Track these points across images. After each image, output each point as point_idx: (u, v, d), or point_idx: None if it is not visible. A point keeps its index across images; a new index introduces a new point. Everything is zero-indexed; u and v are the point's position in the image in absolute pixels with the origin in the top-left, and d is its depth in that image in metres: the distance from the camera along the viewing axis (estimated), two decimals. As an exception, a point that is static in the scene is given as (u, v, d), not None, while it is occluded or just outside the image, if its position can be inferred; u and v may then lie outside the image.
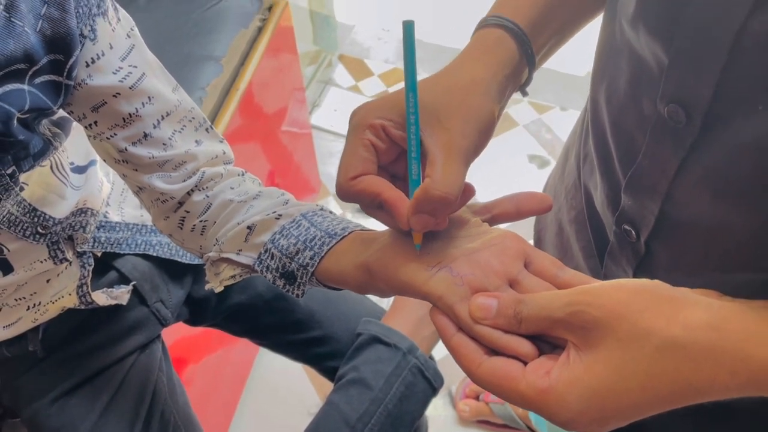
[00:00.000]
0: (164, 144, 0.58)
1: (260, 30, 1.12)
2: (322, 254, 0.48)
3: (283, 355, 0.89)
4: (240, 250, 0.54)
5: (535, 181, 1.75)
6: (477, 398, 1.37)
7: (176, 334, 0.98)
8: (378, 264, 0.44)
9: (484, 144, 0.42)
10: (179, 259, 0.77)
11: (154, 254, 0.75)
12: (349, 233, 0.50)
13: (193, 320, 0.85)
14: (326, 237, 0.49)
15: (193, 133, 0.61)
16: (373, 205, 0.42)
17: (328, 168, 1.80)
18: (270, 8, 1.15)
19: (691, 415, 0.39)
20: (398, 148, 0.43)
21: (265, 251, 0.51)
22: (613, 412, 0.33)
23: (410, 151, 0.40)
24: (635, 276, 0.48)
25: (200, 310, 0.83)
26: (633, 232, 0.46)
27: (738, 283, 0.38)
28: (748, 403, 0.35)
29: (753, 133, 0.33)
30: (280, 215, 0.53)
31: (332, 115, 1.94)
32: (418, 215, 0.39)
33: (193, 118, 0.61)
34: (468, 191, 0.43)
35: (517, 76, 0.46)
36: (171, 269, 0.78)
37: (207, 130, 0.62)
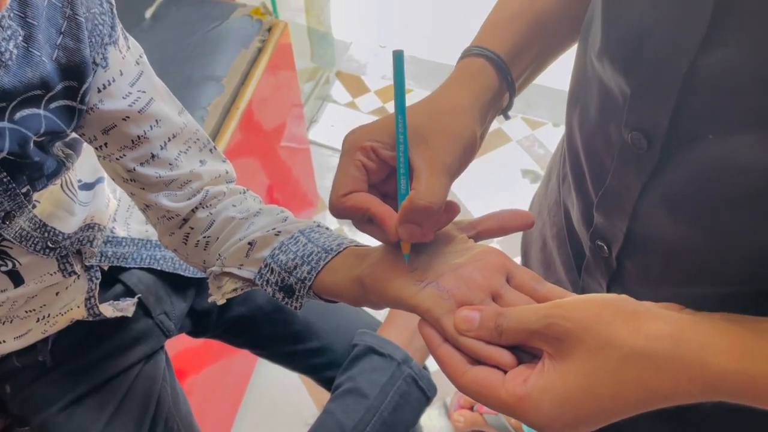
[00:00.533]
0: (170, 164, 0.60)
1: (260, 50, 1.15)
2: (319, 269, 0.51)
3: (281, 365, 0.91)
4: (241, 265, 0.56)
5: (527, 195, 1.75)
6: (471, 409, 1.38)
7: (178, 346, 0.99)
8: (370, 278, 0.46)
9: (467, 162, 0.45)
10: (182, 273, 0.79)
11: (159, 268, 0.77)
12: (344, 249, 0.52)
13: (195, 332, 0.87)
14: (323, 252, 0.52)
15: (198, 154, 0.63)
16: (363, 220, 0.44)
17: (326, 182, 1.82)
18: (270, 29, 1.18)
19: (653, 418, 0.42)
20: (388, 168, 0.46)
21: (265, 266, 0.54)
22: (584, 417, 0.36)
23: (399, 167, 0.43)
24: (609, 288, 0.51)
25: (202, 322, 0.85)
26: (605, 248, 0.49)
27: (700, 295, 0.41)
28: (717, 409, 0.37)
29: (704, 160, 0.36)
30: (280, 232, 0.55)
31: (330, 130, 1.97)
32: (405, 225, 0.42)
33: (198, 139, 0.64)
34: (452, 210, 0.45)
35: (498, 100, 0.49)
36: (174, 282, 0.80)
37: (211, 150, 0.65)
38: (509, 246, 1.67)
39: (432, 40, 2.25)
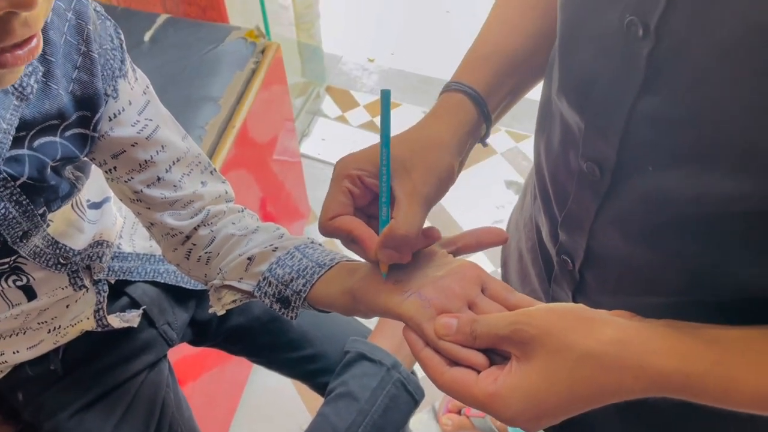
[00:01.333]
0: (174, 186, 0.64)
1: (254, 72, 1.19)
2: (313, 282, 0.55)
3: (277, 372, 0.93)
4: (241, 278, 0.60)
5: (512, 205, 1.80)
6: (459, 413, 1.41)
7: (176, 354, 0.99)
8: (360, 290, 0.50)
9: (444, 191, 0.49)
10: (184, 285, 0.83)
11: (162, 281, 0.81)
12: (336, 264, 0.56)
13: (196, 341, 0.90)
14: (316, 267, 0.56)
15: (200, 176, 0.67)
16: (347, 240, 0.48)
17: (318, 194, 1.82)
18: (263, 51, 1.23)
19: (619, 413, 0.46)
20: (372, 193, 0.50)
21: (264, 279, 0.57)
22: (546, 411, 0.40)
23: (381, 196, 0.48)
24: (574, 297, 0.56)
25: (203, 332, 0.88)
26: (569, 262, 0.53)
27: (649, 304, 0.46)
28: (669, 404, 0.41)
29: (646, 189, 0.41)
30: (277, 248, 0.59)
31: (320, 144, 1.99)
32: (384, 250, 0.46)
33: (200, 162, 0.68)
34: (432, 235, 0.50)
35: (476, 131, 0.54)
36: (177, 294, 0.83)
37: (211, 172, 0.69)
38: (492, 258, 1.71)
39: (420, 54, 2.28)
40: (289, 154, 1.54)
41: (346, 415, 0.81)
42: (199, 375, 1.21)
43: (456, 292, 0.47)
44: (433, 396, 1.43)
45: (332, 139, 2.02)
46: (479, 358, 0.44)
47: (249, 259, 0.60)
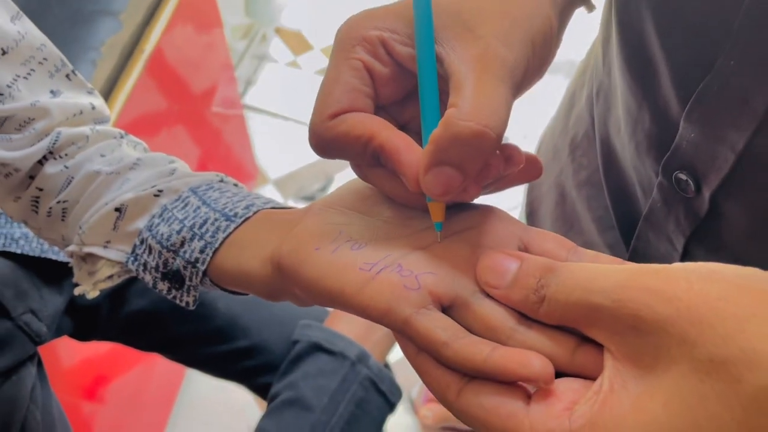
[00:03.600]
0: (1, 93, 0.45)
1: (169, -19, 0.97)
2: (216, 244, 0.38)
3: (203, 371, 0.76)
4: (108, 242, 0.42)
5: None
6: (441, 401, 1.27)
7: (83, 347, 0.86)
8: (291, 259, 0.33)
9: (539, 66, 0.30)
10: (54, 257, 0.62)
11: (19, 251, 0.60)
12: (254, 213, 0.39)
13: (80, 334, 0.70)
14: (222, 219, 0.39)
15: (47, 81, 0.47)
16: (364, 157, 0.30)
17: (266, 152, 1.69)
18: (181, -44, 1.00)
19: None
20: (407, 78, 0.31)
21: (141, 242, 0.41)
22: None
23: (423, 74, 0.28)
24: (687, 249, 0.37)
25: (89, 321, 0.69)
26: (691, 183, 0.35)
27: None
28: None
29: None
30: (161, 191, 0.42)
31: (269, 94, 1.84)
32: (436, 170, 0.27)
33: (45, 59, 0.47)
34: (513, 157, 0.30)
35: None
36: (44, 270, 0.63)
37: (68, 76, 0.49)
38: (505, 203, 1.50)
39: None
40: (228, 104, 1.37)
41: (296, 430, 0.64)
42: (120, 371, 1.04)
43: (470, 263, 0.30)
44: (411, 381, 1.30)
45: (283, 88, 1.85)
46: (537, 365, 0.24)
47: (117, 210, 0.42)
